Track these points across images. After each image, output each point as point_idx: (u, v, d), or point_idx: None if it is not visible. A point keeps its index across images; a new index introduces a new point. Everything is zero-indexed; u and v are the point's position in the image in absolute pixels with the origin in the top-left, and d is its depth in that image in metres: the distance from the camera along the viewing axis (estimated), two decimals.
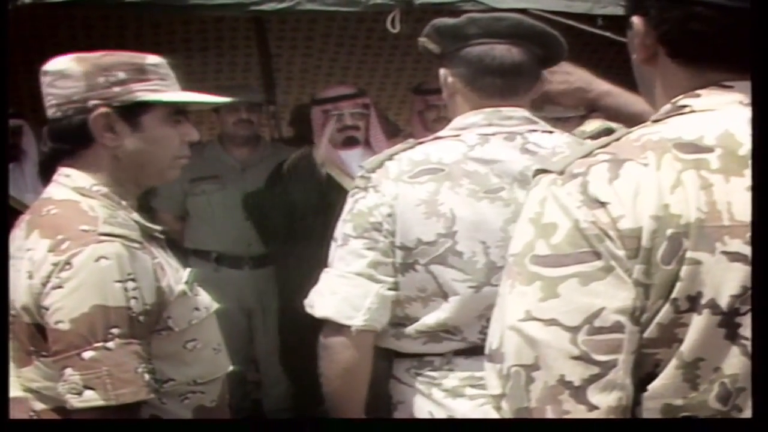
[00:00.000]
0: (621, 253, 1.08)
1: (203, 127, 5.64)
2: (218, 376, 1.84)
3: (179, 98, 1.79)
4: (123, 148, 1.75)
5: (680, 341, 1.09)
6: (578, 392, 1.07)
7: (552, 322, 1.08)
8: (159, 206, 4.08)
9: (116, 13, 4.80)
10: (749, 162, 1.11)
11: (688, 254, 1.08)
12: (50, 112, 1.76)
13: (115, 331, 1.59)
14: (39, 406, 1.71)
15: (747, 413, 1.11)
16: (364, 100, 3.88)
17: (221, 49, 5.42)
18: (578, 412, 1.07)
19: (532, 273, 1.10)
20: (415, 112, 4.07)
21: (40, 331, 1.65)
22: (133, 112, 1.74)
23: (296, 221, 3.78)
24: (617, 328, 1.07)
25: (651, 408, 1.11)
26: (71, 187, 1.74)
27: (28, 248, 1.67)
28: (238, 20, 5.07)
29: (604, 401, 1.07)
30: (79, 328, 1.58)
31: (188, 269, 1.83)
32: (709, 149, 1.12)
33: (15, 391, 1.75)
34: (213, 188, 4.09)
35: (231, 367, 1.88)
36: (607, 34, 3.32)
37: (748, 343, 1.09)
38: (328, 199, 3.11)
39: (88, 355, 1.58)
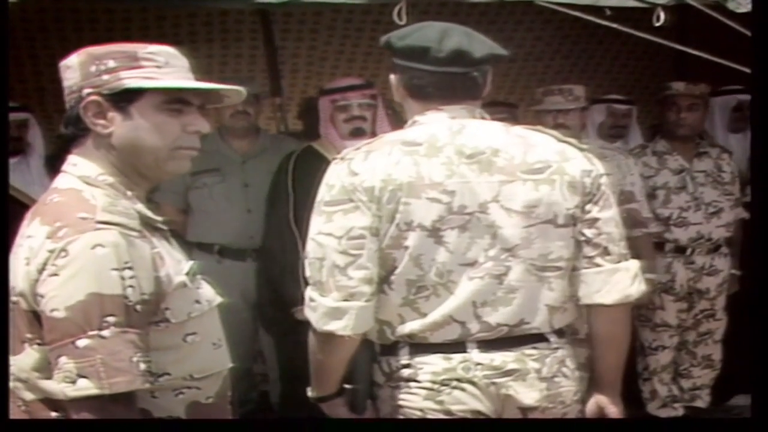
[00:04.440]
0: (365, 198, 2.03)
1: (208, 119, 5.65)
2: (216, 372, 1.81)
3: (165, 84, 1.75)
4: (116, 136, 1.74)
5: (406, 247, 2.05)
6: (344, 270, 2.03)
7: (329, 234, 2.04)
8: (161, 200, 4.07)
9: (121, 6, 4.80)
10: (444, 149, 2.07)
11: (402, 200, 2.03)
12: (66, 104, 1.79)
13: (110, 319, 1.58)
14: (28, 396, 1.69)
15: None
16: (372, 92, 3.89)
17: (227, 42, 5.41)
18: (343, 281, 2.03)
19: (321, 210, 2.07)
20: None
21: (37, 318, 1.64)
22: (123, 99, 1.73)
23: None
24: (361, 237, 2.03)
25: (396, 282, 2.07)
26: (77, 175, 1.74)
27: (29, 235, 1.67)
28: (244, 13, 5.07)
29: (356, 275, 2.03)
30: (74, 316, 1.57)
31: (191, 261, 1.81)
32: (420, 144, 2.08)
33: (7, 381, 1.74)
34: (214, 181, 4.08)
35: (230, 364, 1.85)
36: (614, 25, 3.31)
37: (448, 243, 2.04)
38: None
39: (82, 343, 1.56)
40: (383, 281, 2.08)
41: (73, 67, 1.75)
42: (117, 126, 1.74)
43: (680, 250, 4.33)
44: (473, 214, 2.05)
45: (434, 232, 2.04)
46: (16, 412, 1.72)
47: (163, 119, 1.75)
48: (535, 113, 4.12)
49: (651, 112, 5.49)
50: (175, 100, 1.75)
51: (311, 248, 2.07)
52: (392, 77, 2.20)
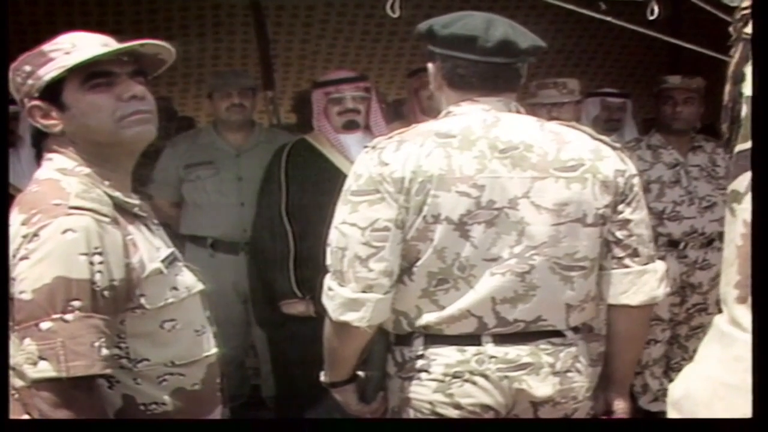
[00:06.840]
0: (392, 189, 2.00)
1: (201, 113, 5.64)
2: (199, 359, 1.81)
3: (72, 62, 1.73)
4: (66, 130, 1.77)
5: (432, 239, 2.02)
6: (365, 262, 2.01)
7: (353, 224, 2.02)
8: (154, 192, 4.06)
9: None
10: (477, 142, 2.03)
11: (432, 192, 2.00)
12: None
13: (75, 303, 1.59)
14: (18, 382, 1.70)
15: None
16: (366, 84, 3.86)
17: (219, 35, 5.40)
18: (363, 272, 2.01)
19: (347, 199, 2.04)
20: (411, 91, 4.08)
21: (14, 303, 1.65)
22: (52, 94, 1.75)
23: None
24: (386, 229, 2.01)
25: (418, 273, 2.05)
26: (54, 168, 1.77)
27: (8, 225, 1.69)
28: (236, 6, 5.06)
29: (376, 267, 2.01)
30: (39, 299, 1.59)
31: (170, 249, 1.82)
32: (453, 136, 2.04)
33: None
34: (207, 174, 4.07)
35: (214, 350, 1.85)
36: (608, 18, 3.30)
37: (473, 238, 2.02)
38: (328, 182, 3.08)
39: (45, 325, 1.59)
40: (404, 272, 2.07)
41: (10, 88, 1.81)
42: (61, 120, 1.76)
43: (673, 244, 4.33)
44: (502, 210, 2.03)
45: (460, 226, 2.02)
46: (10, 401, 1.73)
47: (93, 97, 1.75)
48: (530, 107, 4.11)
49: (644, 106, 5.50)
50: (94, 75, 1.75)
51: (334, 237, 2.05)
52: (430, 66, 2.16)
